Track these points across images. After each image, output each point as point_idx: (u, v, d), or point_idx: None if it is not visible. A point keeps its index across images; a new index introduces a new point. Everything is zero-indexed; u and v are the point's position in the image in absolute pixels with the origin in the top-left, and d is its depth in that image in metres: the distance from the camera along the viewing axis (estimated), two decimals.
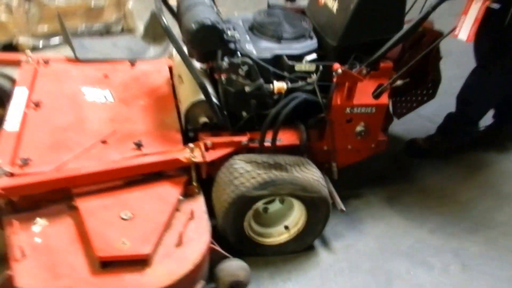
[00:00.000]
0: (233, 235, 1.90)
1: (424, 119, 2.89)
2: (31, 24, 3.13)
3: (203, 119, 2.01)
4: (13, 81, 2.42)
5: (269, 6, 2.35)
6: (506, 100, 2.69)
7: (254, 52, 1.99)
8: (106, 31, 3.47)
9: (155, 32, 2.71)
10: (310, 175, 1.89)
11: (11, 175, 1.75)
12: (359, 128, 2.09)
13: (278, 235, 2.02)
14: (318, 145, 2.09)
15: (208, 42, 1.90)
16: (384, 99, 2.05)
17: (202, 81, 1.89)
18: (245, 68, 1.93)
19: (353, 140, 2.12)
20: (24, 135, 1.94)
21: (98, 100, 2.20)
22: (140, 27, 3.43)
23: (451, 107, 2.65)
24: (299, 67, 1.96)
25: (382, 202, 2.39)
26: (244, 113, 2.03)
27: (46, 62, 2.41)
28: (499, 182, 2.59)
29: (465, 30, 1.94)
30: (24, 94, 2.17)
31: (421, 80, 2.40)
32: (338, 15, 2.02)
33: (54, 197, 1.82)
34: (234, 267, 1.80)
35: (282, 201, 2.01)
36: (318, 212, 1.94)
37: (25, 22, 3.10)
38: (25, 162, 1.79)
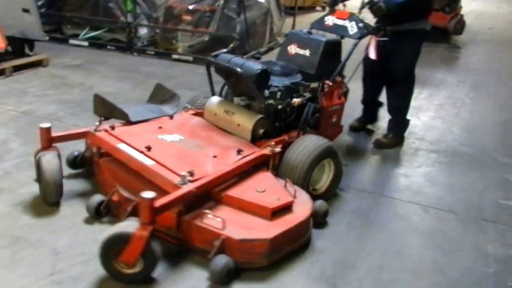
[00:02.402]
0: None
1: None
2: None
3: (262, 130, 3.15)
4: None
5: None
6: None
7: (280, 84, 3.25)
8: None
9: (161, 97, 3.65)
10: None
11: (191, 181, 2.61)
12: (334, 119, 3.54)
13: (320, 188, 3.24)
14: (316, 134, 3.42)
15: (264, 81, 3.10)
16: (343, 99, 3.56)
17: (265, 103, 3.08)
18: (279, 93, 3.18)
19: (332, 128, 3.55)
20: (163, 163, 2.76)
21: (176, 139, 3.09)
22: None
23: None
24: (313, 85, 3.31)
25: None
26: (277, 124, 3.25)
27: (112, 127, 3.15)
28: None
29: (372, 54, 3.61)
30: (126, 146, 2.93)
31: None
32: (311, 57, 3.46)
33: (199, 201, 2.71)
34: (321, 203, 2.98)
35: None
36: (339, 167, 3.25)
37: None
38: (192, 173, 2.65)
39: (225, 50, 5.18)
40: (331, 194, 3.28)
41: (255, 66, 3.07)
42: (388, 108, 4.29)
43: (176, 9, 6.52)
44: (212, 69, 3.37)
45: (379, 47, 3.58)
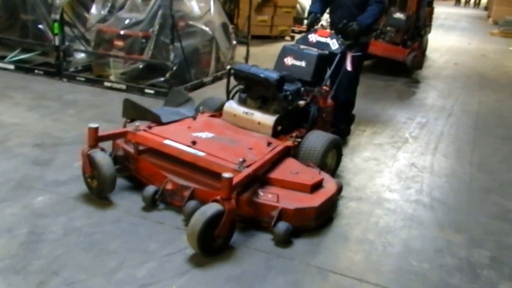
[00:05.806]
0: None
1: None
2: None
3: (280, 127, 3.73)
4: None
5: None
6: None
7: (290, 89, 3.86)
8: None
9: (177, 101, 4.09)
10: None
11: (246, 167, 3.10)
12: (328, 118, 4.23)
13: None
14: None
15: (282, 85, 3.69)
16: (333, 102, 4.27)
17: (284, 104, 3.67)
18: (290, 97, 3.79)
19: (326, 125, 4.23)
20: (212, 153, 3.22)
21: (209, 136, 3.53)
22: None
23: None
24: (315, 90, 3.97)
25: None
26: (287, 122, 3.85)
27: (150, 127, 3.54)
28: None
29: (349, 66, 4.37)
30: (173, 142, 3.35)
31: None
32: (307, 67, 4.13)
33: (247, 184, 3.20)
34: (338, 180, 3.59)
35: None
36: (340, 155, 3.93)
37: None
38: (244, 160, 3.14)
39: (162, 79, 5.51)
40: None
41: (274, 74, 3.67)
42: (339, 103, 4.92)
43: (107, 34, 6.01)
44: None
45: (354, 61, 4.36)
